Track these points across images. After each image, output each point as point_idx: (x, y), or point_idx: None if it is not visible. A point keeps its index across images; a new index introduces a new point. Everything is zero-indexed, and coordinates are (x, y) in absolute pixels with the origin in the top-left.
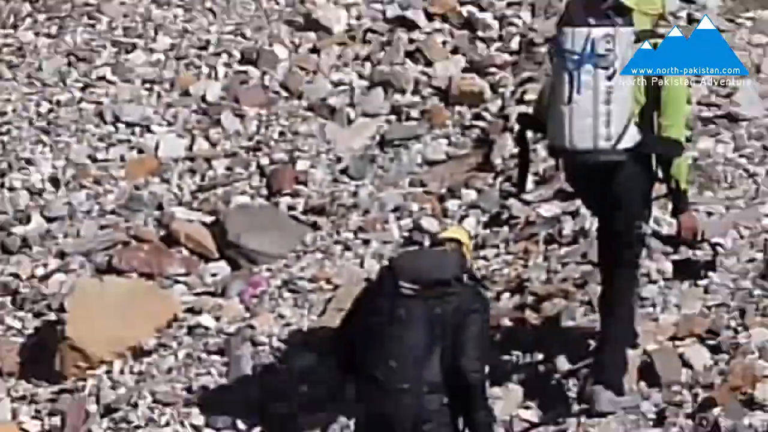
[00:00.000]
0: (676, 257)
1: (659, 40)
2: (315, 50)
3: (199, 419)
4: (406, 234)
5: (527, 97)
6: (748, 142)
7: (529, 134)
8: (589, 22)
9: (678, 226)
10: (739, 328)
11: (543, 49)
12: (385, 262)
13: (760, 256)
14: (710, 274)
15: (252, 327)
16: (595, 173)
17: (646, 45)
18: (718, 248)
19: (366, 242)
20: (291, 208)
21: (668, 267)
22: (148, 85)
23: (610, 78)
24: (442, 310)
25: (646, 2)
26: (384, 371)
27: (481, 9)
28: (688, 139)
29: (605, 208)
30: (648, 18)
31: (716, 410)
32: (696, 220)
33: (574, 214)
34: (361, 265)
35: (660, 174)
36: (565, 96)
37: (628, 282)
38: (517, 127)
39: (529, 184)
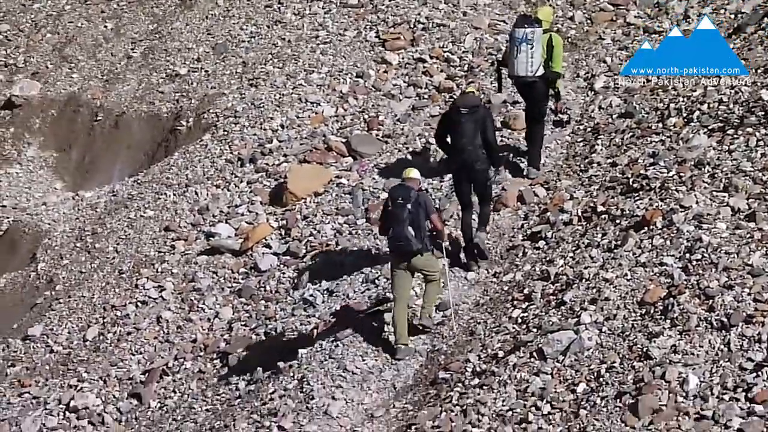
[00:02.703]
0: (555, 119)
1: (552, 33)
2: None
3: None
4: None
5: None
6: None
7: (502, 69)
8: (524, 26)
9: (556, 106)
10: None
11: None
12: (451, 101)
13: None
14: (566, 125)
15: (363, 184)
16: (526, 85)
17: (546, 35)
18: (570, 116)
19: None
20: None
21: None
22: None
23: (532, 48)
24: (476, 117)
25: (546, 19)
26: (460, 142)
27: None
28: (560, 74)
29: (530, 99)
30: (548, 24)
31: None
32: (562, 105)
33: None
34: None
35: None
36: (514, 54)
37: (540, 128)
38: (496, 64)
39: (503, 89)
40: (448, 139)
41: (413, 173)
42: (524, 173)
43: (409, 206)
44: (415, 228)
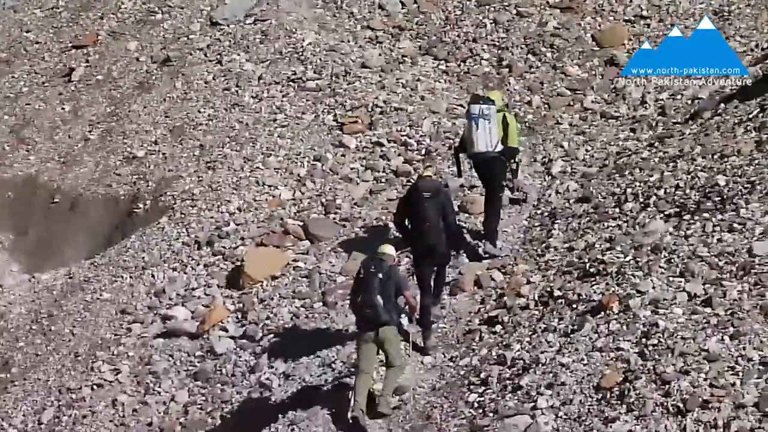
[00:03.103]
0: (512, 196)
1: (505, 112)
2: None
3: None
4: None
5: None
6: None
7: (460, 153)
8: (479, 102)
9: (513, 183)
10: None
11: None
12: (409, 184)
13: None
14: (522, 203)
15: (320, 267)
16: (485, 161)
17: (500, 113)
18: (527, 194)
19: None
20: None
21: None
22: None
23: (489, 123)
24: (438, 200)
25: (499, 101)
26: (423, 226)
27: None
28: (517, 149)
29: (488, 175)
30: (499, 105)
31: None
32: (521, 181)
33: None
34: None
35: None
36: (473, 131)
37: (498, 203)
38: (454, 150)
39: (462, 174)
40: (407, 223)
41: (388, 249)
42: (482, 249)
43: (380, 275)
44: (384, 298)
